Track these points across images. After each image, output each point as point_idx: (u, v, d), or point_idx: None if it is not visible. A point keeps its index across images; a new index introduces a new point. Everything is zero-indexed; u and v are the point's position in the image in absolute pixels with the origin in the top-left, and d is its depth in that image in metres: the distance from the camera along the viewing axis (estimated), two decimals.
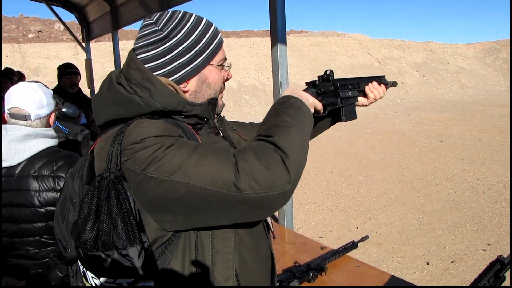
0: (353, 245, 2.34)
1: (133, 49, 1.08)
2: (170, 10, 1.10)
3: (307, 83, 1.35)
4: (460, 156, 8.56)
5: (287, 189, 0.88)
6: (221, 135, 1.17)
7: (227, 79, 1.20)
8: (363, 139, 10.69)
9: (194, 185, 0.85)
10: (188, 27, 1.06)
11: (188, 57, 1.05)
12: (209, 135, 1.11)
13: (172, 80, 1.05)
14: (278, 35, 2.89)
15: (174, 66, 1.05)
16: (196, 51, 1.06)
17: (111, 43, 7.20)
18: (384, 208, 5.85)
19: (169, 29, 1.04)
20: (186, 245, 0.96)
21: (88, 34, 7.37)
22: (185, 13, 1.08)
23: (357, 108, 1.49)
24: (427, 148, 9.56)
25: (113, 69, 7.27)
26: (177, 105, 1.02)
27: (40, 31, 29.62)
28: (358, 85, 1.46)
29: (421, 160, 8.45)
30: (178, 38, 1.04)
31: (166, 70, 1.04)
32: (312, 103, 1.25)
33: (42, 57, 18.59)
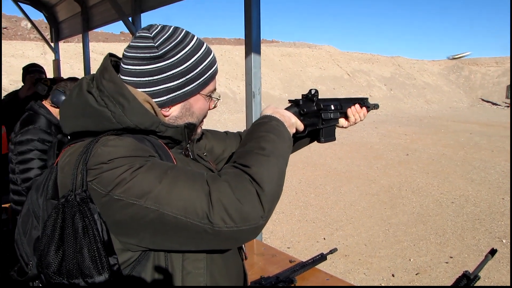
0: (322, 257, 2.34)
1: (122, 56, 1.01)
2: (172, 26, 1.02)
3: (290, 101, 1.33)
4: (425, 170, 8.79)
5: (260, 223, 0.85)
6: (191, 157, 1.11)
7: (213, 108, 1.14)
8: (331, 150, 10.82)
9: (164, 212, 0.81)
10: (186, 52, 0.99)
11: (177, 83, 0.99)
12: (179, 155, 1.05)
13: (155, 102, 0.99)
14: (252, 45, 2.87)
15: (160, 89, 0.98)
16: (188, 78, 1.00)
17: (80, 44, 7.05)
18: (351, 220, 5.91)
19: (165, 49, 0.97)
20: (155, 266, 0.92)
21: (57, 34, 7.18)
22: (187, 34, 1.02)
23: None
24: (394, 161, 9.77)
25: (82, 70, 7.11)
26: (150, 125, 0.96)
27: (5, 28, 28.68)
28: (341, 106, 1.45)
29: (387, 172, 8.61)
30: (172, 61, 0.97)
31: (151, 91, 0.98)
32: (294, 123, 1.22)
33: (6, 56, 17.97)
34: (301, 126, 1.27)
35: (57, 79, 3.67)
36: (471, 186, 7.49)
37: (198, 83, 1.02)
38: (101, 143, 0.88)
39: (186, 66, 0.99)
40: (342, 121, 1.48)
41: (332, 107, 1.41)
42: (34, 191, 1.02)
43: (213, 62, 1.06)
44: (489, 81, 31.03)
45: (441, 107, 26.14)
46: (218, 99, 1.13)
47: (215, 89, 1.10)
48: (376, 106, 1.61)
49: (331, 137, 1.44)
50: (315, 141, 1.47)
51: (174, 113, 1.03)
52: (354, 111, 1.47)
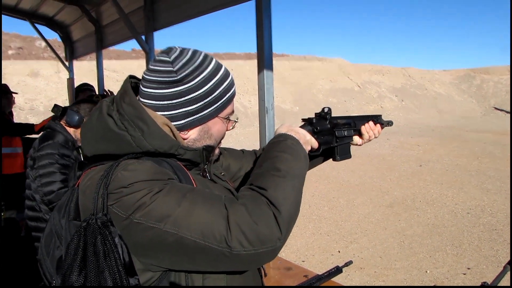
0: (337, 270, 2.33)
1: (142, 79, 1.03)
2: (191, 49, 1.03)
3: (303, 120, 1.34)
4: (439, 181, 8.71)
5: (278, 245, 0.86)
6: (209, 177, 1.12)
7: (230, 129, 1.16)
8: (344, 163, 10.71)
9: (183, 236, 0.83)
10: (205, 75, 1.00)
11: (196, 107, 1.01)
12: (197, 176, 1.06)
13: (174, 125, 1.01)
14: (265, 61, 2.91)
15: (179, 112, 1.00)
16: (206, 102, 1.02)
17: (93, 61, 7.16)
18: (366, 232, 5.87)
19: (184, 73, 0.98)
20: (176, 285, 0.94)
21: (72, 53, 7.31)
22: (205, 57, 1.03)
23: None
24: (407, 172, 9.70)
25: (95, 88, 7.21)
26: (169, 148, 0.98)
27: (20, 48, 29.23)
28: (354, 124, 1.46)
29: (401, 184, 8.55)
30: (191, 85, 0.99)
31: (170, 114, 1.00)
32: (309, 140, 1.23)
33: (22, 75, 18.32)
34: (315, 144, 1.28)
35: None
36: (487, 196, 7.41)
37: (216, 107, 1.04)
38: (121, 167, 0.90)
39: (204, 90, 1.01)
40: (356, 138, 1.49)
41: (346, 125, 1.42)
42: (57, 212, 1.04)
43: (231, 85, 1.07)
44: (502, 90, 30.72)
45: (453, 117, 25.91)
46: (236, 121, 1.15)
47: (233, 111, 1.12)
48: (390, 123, 1.61)
49: (346, 155, 1.44)
50: (330, 159, 1.48)
51: (192, 136, 1.05)
52: (368, 128, 1.48)
